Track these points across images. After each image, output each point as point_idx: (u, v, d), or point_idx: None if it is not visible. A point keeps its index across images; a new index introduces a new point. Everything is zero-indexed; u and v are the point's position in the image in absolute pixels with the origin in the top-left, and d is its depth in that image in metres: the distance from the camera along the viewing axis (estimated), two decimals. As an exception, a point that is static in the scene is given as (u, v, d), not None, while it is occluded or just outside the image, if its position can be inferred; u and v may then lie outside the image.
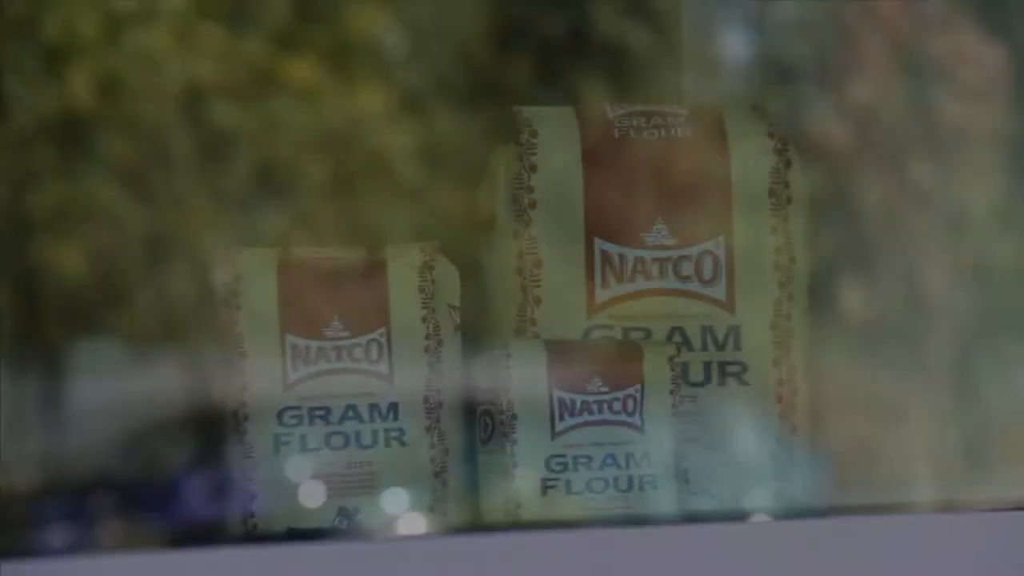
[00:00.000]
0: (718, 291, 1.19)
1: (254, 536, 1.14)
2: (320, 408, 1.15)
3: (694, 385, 1.18)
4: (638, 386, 1.15)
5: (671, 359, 1.16)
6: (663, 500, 1.14)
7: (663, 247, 1.18)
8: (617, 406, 1.14)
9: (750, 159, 1.21)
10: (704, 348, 1.18)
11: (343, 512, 1.14)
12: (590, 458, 1.13)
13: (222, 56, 4.36)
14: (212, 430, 1.25)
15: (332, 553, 0.99)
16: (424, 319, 1.17)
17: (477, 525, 1.16)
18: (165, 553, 0.96)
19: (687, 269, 1.18)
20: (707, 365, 1.18)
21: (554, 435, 1.13)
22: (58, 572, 0.92)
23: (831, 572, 1.03)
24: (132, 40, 4.22)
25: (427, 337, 1.17)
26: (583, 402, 1.14)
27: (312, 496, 1.15)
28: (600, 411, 1.14)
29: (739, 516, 1.18)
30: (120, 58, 4.11)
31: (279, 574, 0.94)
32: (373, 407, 1.15)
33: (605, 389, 1.14)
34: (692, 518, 1.15)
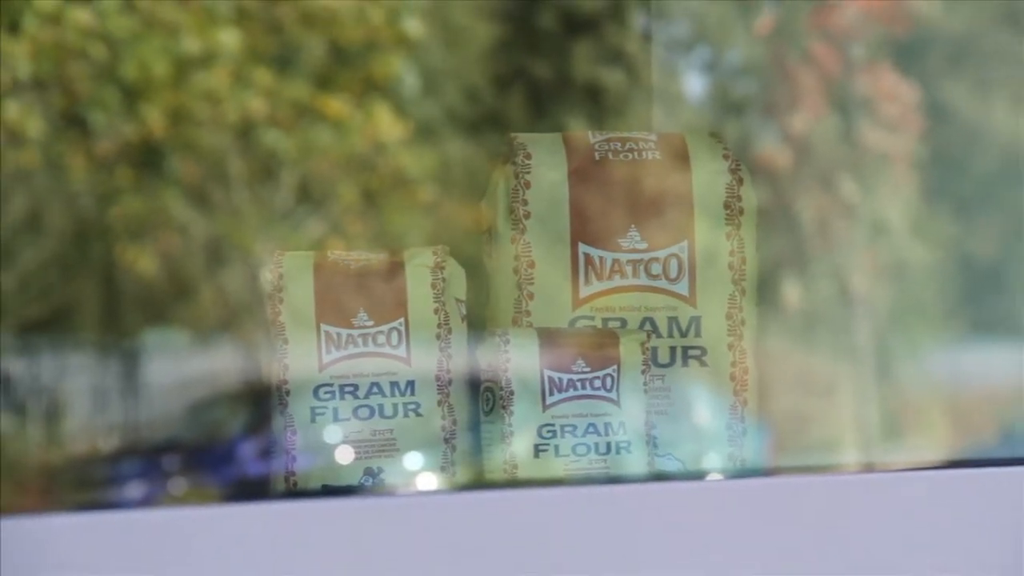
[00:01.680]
0: (682, 287, 1.19)
1: (294, 492, 1.14)
2: (349, 385, 1.15)
3: (662, 366, 1.18)
4: (615, 367, 1.15)
5: (643, 344, 1.16)
6: (635, 462, 1.14)
7: (636, 250, 1.18)
8: (597, 383, 1.14)
9: (708, 177, 1.21)
10: (670, 335, 1.18)
11: (368, 472, 1.14)
12: (575, 427, 1.14)
13: (270, 93, 4.34)
14: (260, 403, 1.25)
15: (359, 507, 0.98)
16: (436, 311, 1.17)
17: (480, 483, 1.15)
18: (220, 506, 0.96)
19: (656, 269, 1.18)
20: (673, 349, 1.18)
21: (544, 408, 1.14)
22: (129, 523, 0.91)
23: (774, 523, 1.02)
24: (196, 80, 4.20)
25: (438, 326, 1.17)
26: (569, 380, 1.14)
27: (343, 458, 1.15)
28: (583, 387, 1.14)
29: (698, 476, 1.18)
30: (186, 94, 4.09)
31: (315, 525, 0.94)
32: (394, 384, 1.16)
33: (587, 369, 1.14)
34: (659, 477, 1.15)
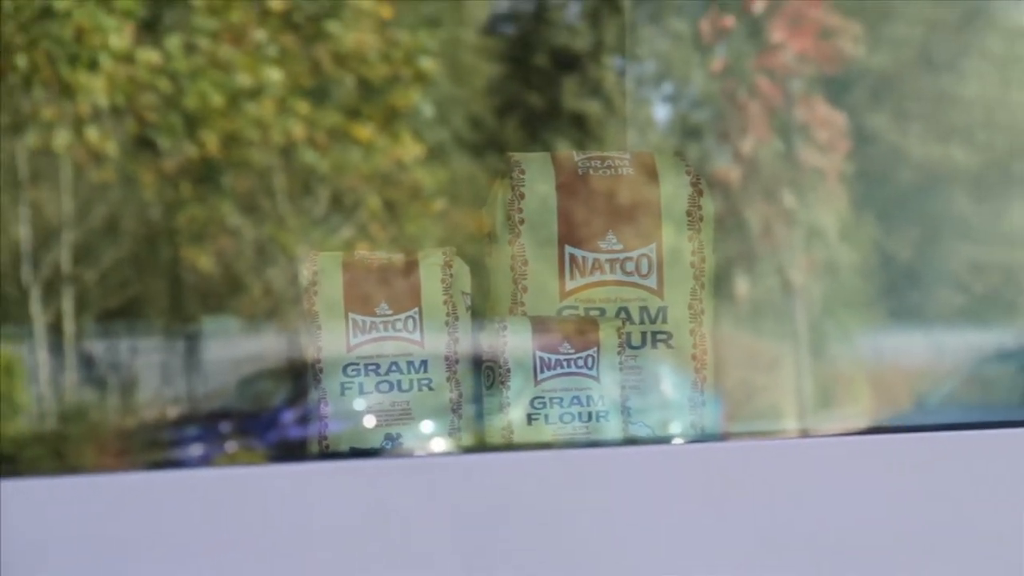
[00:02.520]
0: (652, 282, 1.18)
1: (326, 453, 1.13)
2: (372, 364, 1.14)
3: (635, 348, 1.17)
4: (595, 348, 1.14)
5: (619, 330, 1.16)
6: (612, 429, 1.14)
7: (613, 251, 1.18)
8: (580, 362, 1.14)
9: (673, 190, 1.20)
10: (642, 322, 1.18)
11: (388, 437, 1.14)
12: (561, 399, 1.13)
13: (308, 120, 4.34)
14: (298, 378, 1.24)
15: (381, 466, 0.97)
16: (445, 302, 1.16)
17: (482, 446, 1.15)
18: (266, 466, 0.95)
19: (630, 267, 1.18)
20: (644, 334, 1.18)
21: (536, 383, 1.13)
22: (190, 480, 0.90)
23: (728, 480, 1.02)
24: (247, 109, 4.19)
25: (447, 314, 1.16)
26: (556, 359, 1.14)
27: (367, 425, 1.14)
28: (568, 366, 1.14)
29: (665, 440, 1.17)
30: (238, 121, 4.08)
31: (344, 482, 0.93)
32: (410, 363, 1.15)
33: (572, 351, 1.14)
34: (632, 442, 1.15)
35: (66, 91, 4.29)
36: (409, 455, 1.12)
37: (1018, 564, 1.08)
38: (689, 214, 1.20)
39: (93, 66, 4.33)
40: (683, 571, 0.99)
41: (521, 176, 1.19)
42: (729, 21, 4.31)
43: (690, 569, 1.00)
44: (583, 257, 1.18)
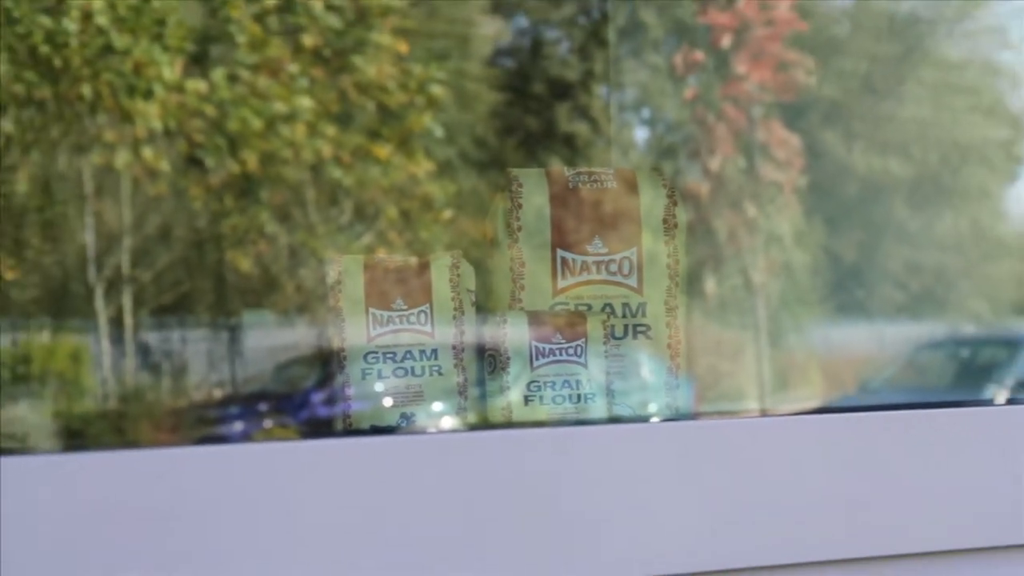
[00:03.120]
0: (633, 281, 1.17)
1: (349, 430, 1.13)
2: (389, 352, 1.14)
3: (618, 339, 1.17)
4: (583, 339, 1.14)
5: (604, 323, 1.15)
6: (598, 409, 1.13)
7: (599, 254, 1.17)
8: (570, 351, 1.13)
9: (651, 201, 1.20)
10: (624, 316, 1.17)
11: (404, 416, 1.13)
12: (554, 383, 1.13)
13: (335, 141, 4.32)
14: (325, 365, 1.23)
15: (397, 442, 0.97)
16: (453, 298, 1.16)
17: (485, 424, 1.14)
18: (297, 441, 0.95)
19: (614, 268, 1.17)
20: (626, 326, 1.17)
21: (532, 369, 1.12)
22: (228, 455, 0.90)
23: (698, 454, 1.01)
24: (282, 131, 4.17)
25: (455, 309, 1.16)
26: (549, 349, 1.13)
27: (385, 406, 1.14)
28: (560, 354, 1.13)
29: (644, 419, 1.17)
30: (274, 142, 4.06)
31: (365, 456, 0.93)
32: (422, 351, 1.14)
33: (563, 341, 1.13)
34: (615, 420, 1.14)
35: (125, 117, 4.29)
36: (421, 432, 1.12)
37: (948, 525, 1.08)
38: (665, 222, 1.20)
39: (148, 95, 4.32)
40: (659, 531, 0.99)
41: (519, 189, 1.19)
42: (699, 55, 4.31)
43: (665, 529, 0.99)
44: (573, 259, 1.18)
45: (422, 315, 1.16)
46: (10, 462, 0.84)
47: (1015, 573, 1.10)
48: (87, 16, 4.19)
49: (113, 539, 0.85)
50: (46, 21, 4.09)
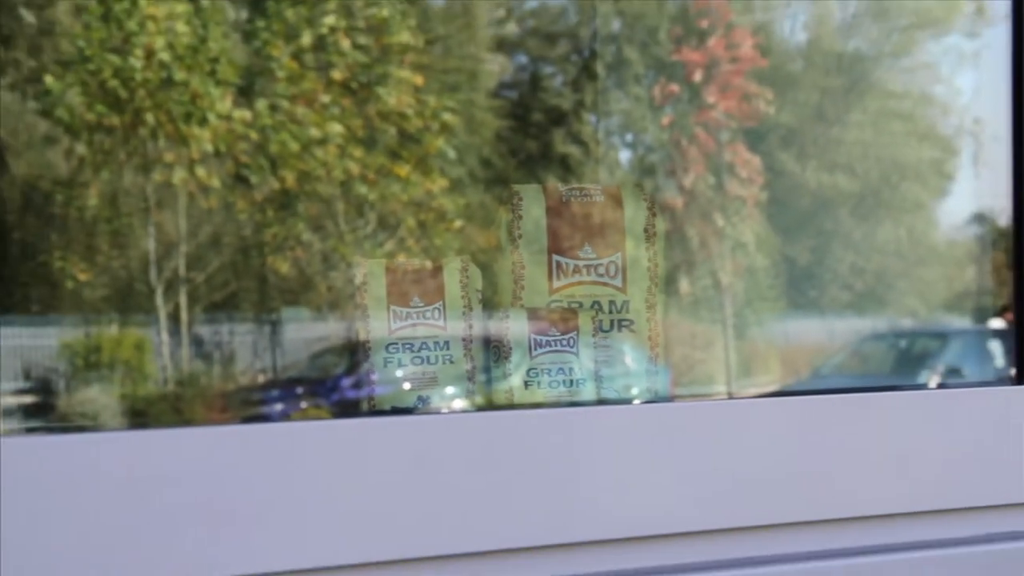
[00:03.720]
0: (618, 282, 1.17)
1: (373, 411, 1.13)
2: (408, 343, 1.13)
3: (605, 331, 1.16)
4: (575, 332, 1.13)
5: (593, 318, 1.15)
6: (588, 392, 1.13)
7: (588, 259, 1.17)
8: (564, 342, 1.13)
9: (633, 213, 1.19)
10: (610, 312, 1.17)
11: (420, 398, 1.13)
12: (550, 370, 1.12)
13: (361, 162, 4.30)
14: (353, 354, 1.22)
15: (414, 421, 0.97)
16: (462, 297, 1.15)
17: (490, 405, 1.14)
18: (329, 420, 0.94)
19: (601, 270, 1.17)
20: (612, 321, 1.17)
21: (531, 358, 1.12)
22: (271, 433, 0.90)
23: (674, 431, 1.01)
24: (316, 153, 4.15)
25: (464, 306, 1.15)
26: (546, 340, 1.13)
27: (404, 389, 1.13)
28: (555, 345, 1.13)
29: (628, 401, 1.17)
30: (309, 162, 4.04)
31: (387, 433, 0.92)
32: (436, 342, 1.14)
33: (558, 333, 1.13)
34: (603, 402, 1.14)
35: (182, 141, 4.29)
36: (435, 412, 1.12)
37: (888, 492, 1.08)
38: (646, 231, 1.20)
39: (202, 122, 4.33)
40: (639, 494, 0.99)
41: (520, 203, 1.19)
42: (675, 88, 4.31)
43: (645, 495, 0.99)
44: (566, 263, 1.17)
45: (436, 311, 1.16)
46: (82, 438, 0.84)
47: (942, 533, 1.09)
48: (150, 54, 4.19)
49: (170, 504, 0.85)
50: (115, 59, 4.09)
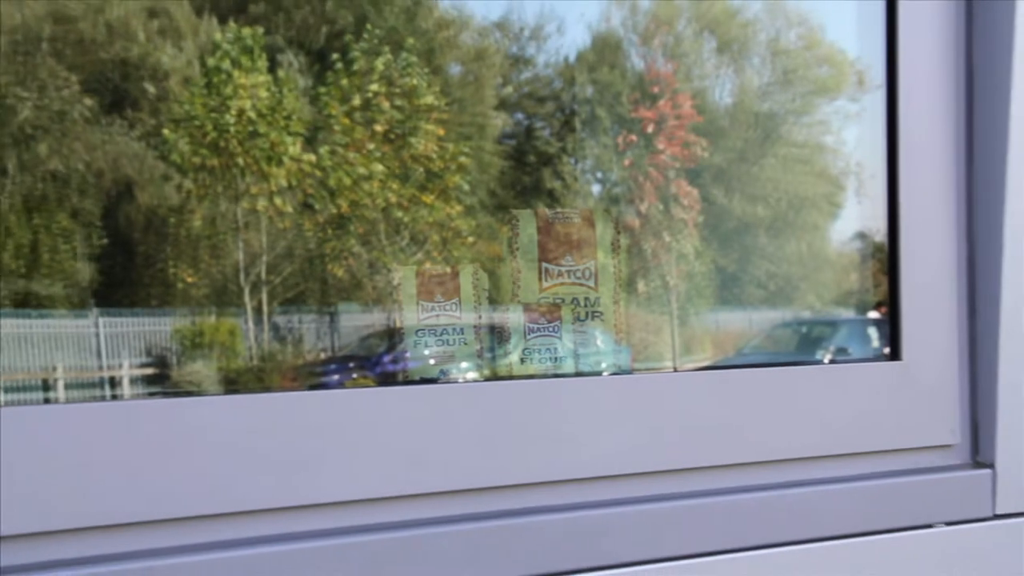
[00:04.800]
0: (591, 283, 1.17)
1: (407, 381, 1.12)
2: (433, 329, 1.13)
3: (581, 320, 1.16)
4: (559, 321, 1.13)
5: (573, 310, 1.14)
6: (568, 367, 1.13)
7: (569, 265, 1.17)
8: (550, 329, 1.13)
9: (603, 230, 1.19)
10: (585, 306, 1.16)
11: (442, 371, 1.12)
12: (540, 349, 1.12)
13: (397, 193, 4.26)
14: (392, 338, 1.21)
15: (437, 388, 0.96)
16: (474, 295, 1.15)
17: (495, 376, 1.14)
18: (374, 388, 0.94)
19: (579, 274, 1.16)
20: (587, 312, 1.16)
21: (526, 340, 1.12)
22: (331, 397, 0.89)
23: (634, 395, 1.01)
24: (363, 186, 4.10)
25: (475, 302, 1.15)
26: (538, 327, 1.13)
27: (429, 364, 1.13)
28: (544, 331, 1.13)
29: (599, 373, 1.16)
30: (359, 193, 4.00)
31: (417, 397, 0.92)
32: (453, 329, 1.14)
33: (546, 322, 1.13)
34: (580, 374, 1.14)
35: (264, 177, 4.30)
36: (454, 381, 1.12)
37: (787, 443, 1.07)
38: (612, 245, 1.19)
39: (279, 163, 4.33)
40: (606, 443, 0.99)
41: (517, 224, 1.18)
42: (633, 137, 4.33)
43: (610, 442, 0.99)
44: (552, 268, 1.17)
45: (453, 305, 1.15)
46: (190, 401, 0.84)
47: (833, 472, 1.09)
48: (240, 113, 4.20)
49: (255, 450, 0.85)
50: (215, 115, 4.10)
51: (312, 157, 4.58)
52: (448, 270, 1.19)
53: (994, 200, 1.09)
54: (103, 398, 1.14)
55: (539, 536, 0.94)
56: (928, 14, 1.09)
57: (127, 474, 0.78)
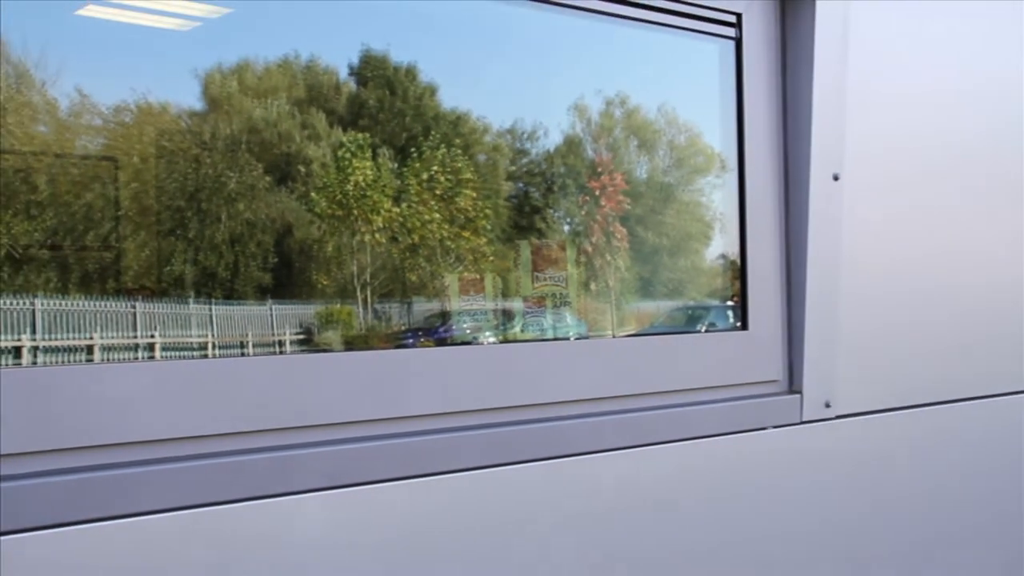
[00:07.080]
0: (564, 285, 1.16)
1: (453, 343, 1.11)
2: (469, 312, 1.12)
3: (557, 307, 1.15)
4: (544, 307, 1.12)
5: (552, 300, 1.13)
6: (550, 335, 1.11)
7: (551, 273, 1.16)
8: (539, 313, 1.12)
9: (571, 253, 1.18)
10: (561, 298, 1.15)
11: (475, 338, 1.11)
12: (532, 324, 1.11)
13: (448, 232, 4.15)
14: (444, 317, 1.20)
15: (472, 348, 0.95)
16: (494, 292, 1.14)
17: (506, 341, 1.12)
18: (433, 348, 0.93)
19: (556, 279, 1.15)
20: (561, 302, 1.15)
21: (524, 319, 1.11)
22: (409, 354, 0.89)
23: (591, 352, 0.98)
24: (427, 227, 4.00)
25: (494, 296, 1.14)
26: (531, 311, 1.12)
27: (466, 333, 1.12)
28: (535, 313, 1.11)
29: (567, 339, 1.15)
30: (424, 232, 3.89)
31: (459, 354, 0.91)
32: (481, 312, 1.12)
33: (536, 308, 1.12)
34: (556, 339, 1.12)
35: (368, 222, 4.30)
36: (480, 344, 1.10)
37: (673, 379, 1.05)
38: (577, 261, 1.18)
39: (378, 213, 4.34)
40: (573, 381, 0.98)
41: (519, 249, 1.17)
42: (586, 197, 4.33)
43: (575, 380, 0.98)
44: (540, 276, 1.16)
45: (481, 298, 1.14)
46: (321, 357, 0.84)
47: (701, 399, 1.08)
48: (356, 184, 4.22)
49: (366, 383, 0.84)
50: (340, 185, 4.12)
51: (397, 210, 4.54)
52: (478, 277, 1.18)
53: (799, 234, 1.11)
54: (282, 353, 1.13)
55: (529, 437, 0.94)
56: (762, 127, 1.11)
57: (298, 394, 0.79)
